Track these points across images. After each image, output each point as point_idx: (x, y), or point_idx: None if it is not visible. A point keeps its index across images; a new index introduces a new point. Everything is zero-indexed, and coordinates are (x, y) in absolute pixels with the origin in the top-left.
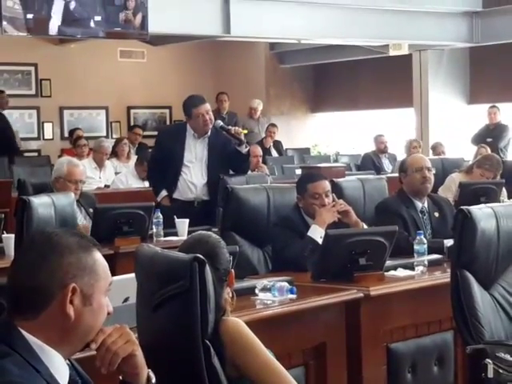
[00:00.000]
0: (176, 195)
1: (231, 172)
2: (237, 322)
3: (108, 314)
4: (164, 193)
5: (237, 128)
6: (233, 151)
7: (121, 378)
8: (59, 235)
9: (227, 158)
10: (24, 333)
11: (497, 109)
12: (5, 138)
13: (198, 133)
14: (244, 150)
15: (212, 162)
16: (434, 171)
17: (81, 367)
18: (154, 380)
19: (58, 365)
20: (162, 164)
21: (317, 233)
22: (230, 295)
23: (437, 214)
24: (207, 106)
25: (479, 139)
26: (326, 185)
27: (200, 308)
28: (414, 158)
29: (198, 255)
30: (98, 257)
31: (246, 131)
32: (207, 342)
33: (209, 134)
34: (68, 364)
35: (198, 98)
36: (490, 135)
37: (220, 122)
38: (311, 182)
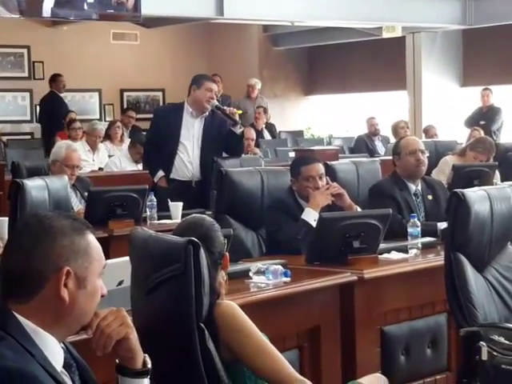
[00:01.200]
0: (173, 175)
1: (225, 154)
2: (231, 306)
3: (102, 296)
4: (161, 173)
5: (231, 108)
6: (227, 133)
7: (117, 361)
8: (52, 218)
9: (222, 139)
10: (18, 316)
11: (490, 91)
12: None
13: (196, 108)
14: (238, 130)
15: (206, 143)
16: (427, 154)
17: (76, 350)
18: (149, 365)
19: (52, 348)
20: (158, 143)
21: (311, 216)
22: (224, 278)
23: (430, 197)
24: (217, 88)
25: (472, 122)
26: (320, 167)
27: (195, 291)
28: (407, 141)
29: (193, 238)
30: (92, 239)
31: (240, 111)
32: (202, 325)
33: (206, 114)
34: (63, 347)
35: (212, 78)
36: (483, 118)
37: (215, 102)
38: (305, 164)
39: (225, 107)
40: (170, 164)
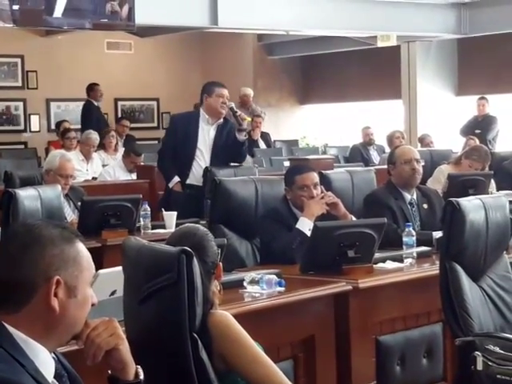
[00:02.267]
0: (190, 180)
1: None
2: (225, 315)
3: (92, 305)
4: (176, 179)
5: (243, 114)
6: (232, 140)
7: (109, 372)
8: (41, 227)
9: (228, 149)
10: (8, 327)
11: (485, 100)
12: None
13: (211, 115)
14: (241, 137)
15: (216, 150)
16: (422, 163)
17: (67, 361)
18: (141, 376)
19: (43, 358)
20: (174, 149)
21: (305, 225)
22: (218, 288)
23: (425, 206)
24: (228, 94)
25: (467, 130)
26: (314, 176)
27: (188, 301)
28: (402, 150)
29: (186, 248)
30: (81, 248)
31: (249, 119)
32: (195, 335)
33: (221, 121)
34: (54, 357)
35: (222, 83)
36: (479, 127)
37: (232, 103)
38: (299, 173)
39: (237, 110)
40: (187, 169)
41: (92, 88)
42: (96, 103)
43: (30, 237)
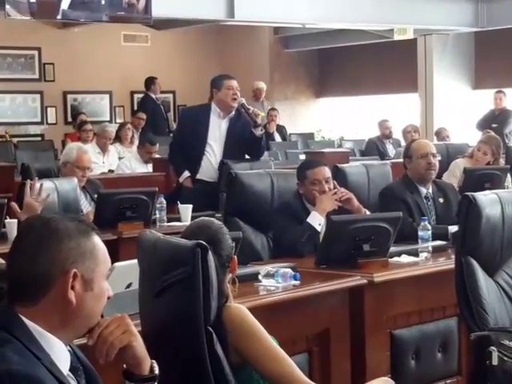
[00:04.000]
0: (200, 175)
1: (247, 156)
2: (240, 309)
3: (108, 298)
4: (186, 173)
5: (256, 109)
6: (249, 135)
7: (124, 366)
8: (57, 220)
9: (244, 141)
10: (24, 319)
11: (503, 94)
12: (156, 119)
13: (223, 109)
14: (258, 132)
15: (229, 144)
16: (439, 157)
17: (83, 354)
18: (156, 371)
19: (58, 351)
20: (184, 144)
21: (316, 220)
22: (233, 281)
23: (441, 200)
24: (236, 84)
25: (484, 124)
26: (326, 171)
27: (203, 294)
28: (418, 144)
29: (201, 241)
30: (98, 241)
31: (263, 114)
32: (210, 328)
33: (232, 113)
34: (69, 350)
35: (229, 75)
36: (496, 120)
37: (243, 99)
38: (311, 168)
39: (249, 107)
40: (196, 164)
41: (152, 81)
42: (154, 96)
43: (47, 230)
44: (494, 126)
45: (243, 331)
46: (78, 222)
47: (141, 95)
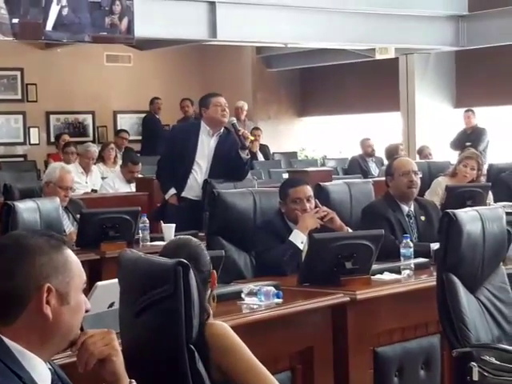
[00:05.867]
0: (185, 193)
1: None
2: (222, 325)
3: (86, 311)
4: (172, 191)
5: (246, 132)
6: (235, 155)
7: None
8: (28, 237)
9: (229, 160)
10: (4, 339)
11: (471, 112)
12: (155, 139)
13: (213, 126)
14: (244, 155)
15: (215, 161)
16: (420, 175)
17: (63, 372)
18: None
19: (39, 370)
20: (172, 161)
21: (298, 238)
22: (213, 298)
23: (423, 218)
24: (224, 100)
25: (458, 144)
26: (308, 190)
27: (184, 313)
28: (400, 162)
29: (182, 260)
30: (70, 254)
31: (252, 138)
32: (192, 346)
33: (221, 131)
34: (50, 369)
35: (216, 93)
36: (469, 139)
37: (234, 119)
38: (292, 186)
39: (240, 128)
40: (182, 182)
41: (152, 101)
42: (157, 116)
43: (18, 247)
44: (467, 144)
45: (226, 348)
46: (49, 237)
47: (125, 115)
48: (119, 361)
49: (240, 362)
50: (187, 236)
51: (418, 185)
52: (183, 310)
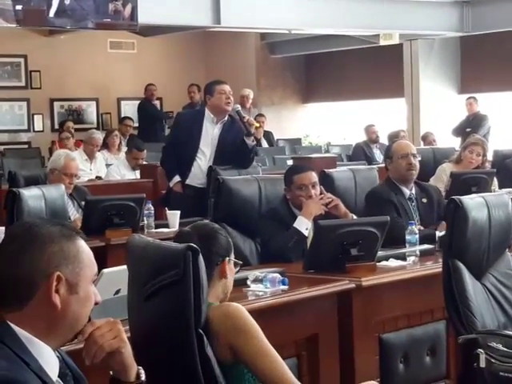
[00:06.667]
0: (189, 181)
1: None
2: (238, 306)
3: (96, 303)
4: (177, 178)
5: (251, 119)
6: (240, 142)
7: (111, 373)
8: (40, 225)
9: (235, 148)
10: (12, 325)
11: (473, 99)
12: (153, 124)
13: (217, 114)
14: (250, 142)
15: (220, 149)
16: (419, 158)
17: (71, 360)
18: (143, 377)
19: (47, 357)
20: (177, 148)
21: (303, 224)
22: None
23: (424, 200)
24: (229, 88)
25: (460, 130)
26: (313, 176)
27: (193, 297)
28: (399, 145)
29: (192, 244)
30: (82, 244)
31: (258, 125)
32: (200, 331)
33: (226, 119)
34: (58, 356)
35: (221, 80)
36: (470, 125)
37: (238, 106)
38: (297, 173)
39: (245, 115)
40: (187, 170)
41: (146, 88)
42: (152, 102)
43: (30, 236)
44: (468, 130)
45: (239, 329)
46: (62, 227)
47: (128, 102)
48: (128, 352)
49: (251, 344)
50: (206, 221)
51: (417, 167)
52: (192, 295)
